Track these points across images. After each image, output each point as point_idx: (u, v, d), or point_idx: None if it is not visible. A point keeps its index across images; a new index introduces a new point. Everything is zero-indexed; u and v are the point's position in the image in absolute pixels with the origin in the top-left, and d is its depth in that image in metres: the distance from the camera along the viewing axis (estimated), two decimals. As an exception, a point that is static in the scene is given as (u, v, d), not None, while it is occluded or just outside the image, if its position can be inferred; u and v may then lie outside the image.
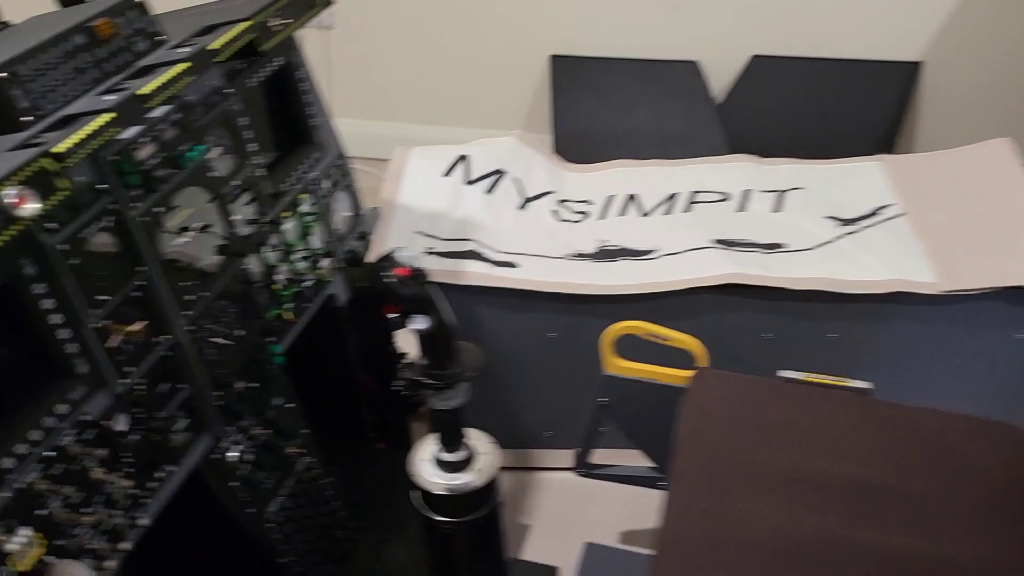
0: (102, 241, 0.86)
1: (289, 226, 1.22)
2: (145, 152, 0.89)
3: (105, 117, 0.77)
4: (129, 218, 0.88)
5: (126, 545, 0.91)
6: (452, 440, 1.06)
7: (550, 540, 1.59)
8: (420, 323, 0.92)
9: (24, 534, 0.77)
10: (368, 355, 1.46)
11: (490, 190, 1.65)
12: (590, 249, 1.56)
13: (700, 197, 1.66)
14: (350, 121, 2.84)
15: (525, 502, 1.69)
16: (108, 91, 0.85)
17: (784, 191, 1.65)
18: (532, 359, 1.57)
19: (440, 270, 1.46)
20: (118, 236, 0.88)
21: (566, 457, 1.55)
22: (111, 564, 0.89)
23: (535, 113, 2.66)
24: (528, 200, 1.67)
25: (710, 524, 1.04)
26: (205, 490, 1.09)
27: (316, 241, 1.29)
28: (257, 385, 1.11)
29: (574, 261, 1.52)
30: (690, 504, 1.07)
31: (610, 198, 1.69)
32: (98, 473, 0.88)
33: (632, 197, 1.69)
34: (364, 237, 1.45)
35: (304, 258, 1.25)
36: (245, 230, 1.10)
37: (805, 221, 1.57)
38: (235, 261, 1.05)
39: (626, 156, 1.89)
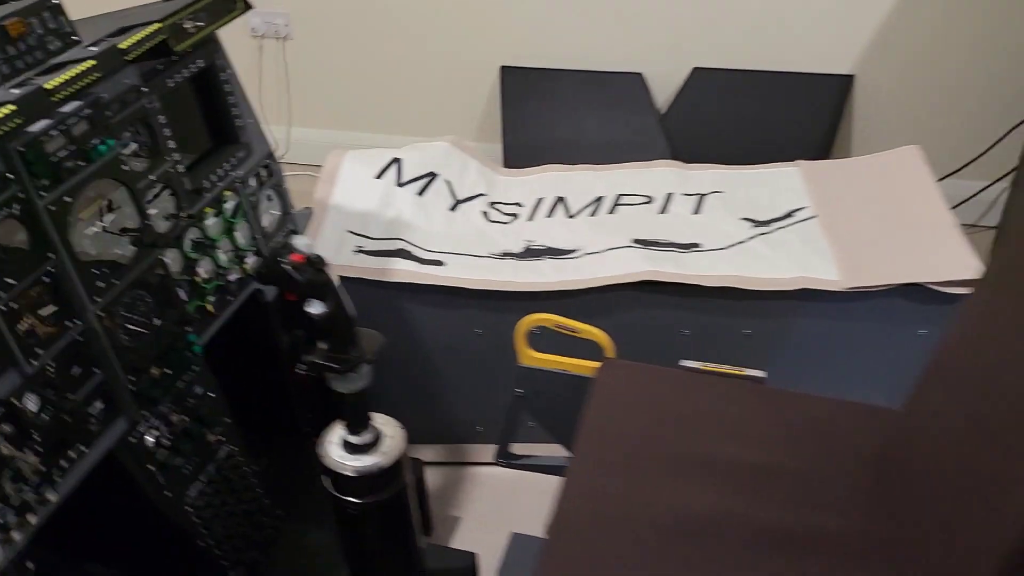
0: (9, 228, 0.91)
1: (212, 222, 1.27)
2: (54, 145, 0.94)
3: (7, 108, 0.82)
4: (37, 207, 0.93)
5: (33, 519, 0.95)
6: (358, 423, 1.10)
7: (479, 531, 1.64)
8: (316, 308, 0.97)
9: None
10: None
11: (421, 192, 1.70)
12: (516, 249, 1.62)
13: (625, 200, 1.73)
14: (307, 130, 2.93)
15: (456, 495, 1.73)
16: (16, 86, 0.90)
17: (704, 194, 1.72)
18: (461, 355, 1.62)
19: (369, 268, 1.52)
20: (26, 224, 0.92)
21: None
22: (18, 536, 0.93)
23: (487, 123, 2.73)
24: (459, 202, 1.73)
25: (603, 504, 1.09)
26: (125, 472, 1.13)
27: (241, 238, 1.34)
28: (172, 372, 1.15)
29: (500, 260, 1.58)
30: (585, 485, 1.12)
31: (539, 201, 1.75)
32: (6, 449, 0.92)
33: (560, 200, 1.75)
34: (294, 235, 1.50)
35: (228, 253, 1.30)
36: (162, 224, 1.15)
37: (721, 222, 1.64)
38: (149, 253, 1.10)
39: (573, 164, 1.96)
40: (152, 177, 1.13)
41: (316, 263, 0.96)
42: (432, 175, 1.74)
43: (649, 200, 1.72)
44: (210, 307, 1.26)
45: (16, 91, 0.87)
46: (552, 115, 2.55)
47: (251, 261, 1.35)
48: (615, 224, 1.65)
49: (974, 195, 2.36)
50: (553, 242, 1.62)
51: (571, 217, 1.70)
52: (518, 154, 2.51)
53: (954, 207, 1.85)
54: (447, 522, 1.68)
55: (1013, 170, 2.11)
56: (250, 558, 1.33)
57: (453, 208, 1.71)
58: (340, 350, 1.02)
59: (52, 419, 0.98)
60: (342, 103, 2.84)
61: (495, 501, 1.70)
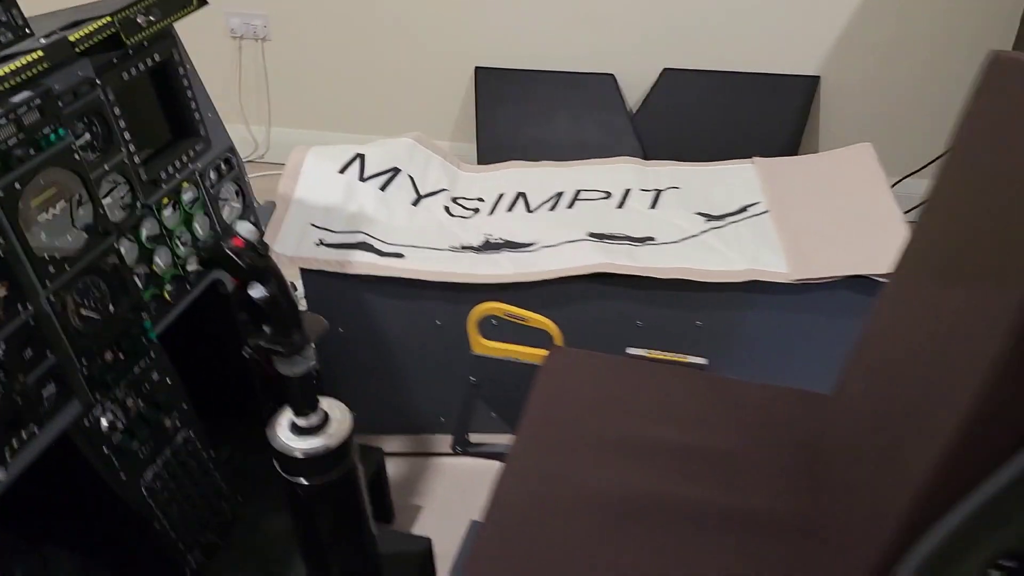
0: (-43, 212, 0.94)
1: (169, 213, 1.30)
2: (4, 133, 0.97)
3: (-47, 97, 0.86)
4: None
5: None
6: (304, 405, 1.13)
7: (440, 519, 1.67)
8: (258, 291, 1.00)
9: None
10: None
11: (384, 187, 1.74)
12: (476, 242, 1.65)
13: (584, 195, 1.77)
14: (287, 130, 2.96)
15: (419, 485, 1.77)
16: (-34, 76, 0.93)
17: (662, 190, 1.76)
18: (422, 347, 1.66)
19: (329, 260, 1.55)
20: None
21: (458, 441, 1.64)
22: None
23: (461, 123, 2.77)
24: (422, 197, 1.76)
25: (541, 485, 1.13)
26: (80, 455, 1.16)
27: (201, 229, 1.37)
28: (126, 358, 1.18)
29: (459, 253, 1.62)
30: (525, 467, 1.15)
31: (500, 196, 1.79)
32: None
33: (521, 195, 1.79)
34: (256, 228, 1.53)
35: (186, 245, 1.33)
36: (118, 213, 1.18)
37: (676, 217, 1.67)
38: (102, 240, 1.13)
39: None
40: (106, 167, 1.16)
41: (257, 247, 1.00)
42: (395, 170, 1.78)
43: (608, 195, 1.76)
44: (167, 296, 1.29)
45: (-36, 81, 0.91)
46: (526, 115, 2.59)
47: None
48: (573, 218, 1.68)
49: (937, 194, 2.40)
50: (511, 236, 1.66)
51: (530, 212, 1.74)
52: (492, 153, 2.55)
53: (917, 206, 1.89)
54: (409, 511, 1.71)
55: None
56: (207, 541, 1.36)
57: (415, 203, 1.75)
58: (283, 333, 1.05)
59: (2, 400, 1.01)
60: (321, 103, 2.88)
61: (457, 490, 1.73)
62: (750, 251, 1.56)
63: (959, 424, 0.69)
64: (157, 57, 1.26)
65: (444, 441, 1.78)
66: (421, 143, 1.89)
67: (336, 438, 1.15)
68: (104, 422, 1.17)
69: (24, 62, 0.94)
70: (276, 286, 1.01)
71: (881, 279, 1.45)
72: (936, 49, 2.31)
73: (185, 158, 1.34)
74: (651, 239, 1.62)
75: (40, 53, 0.96)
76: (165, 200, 1.29)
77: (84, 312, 1.12)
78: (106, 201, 1.16)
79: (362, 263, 1.54)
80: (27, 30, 1.05)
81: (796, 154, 2.44)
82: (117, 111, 1.19)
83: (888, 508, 0.79)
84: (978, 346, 0.69)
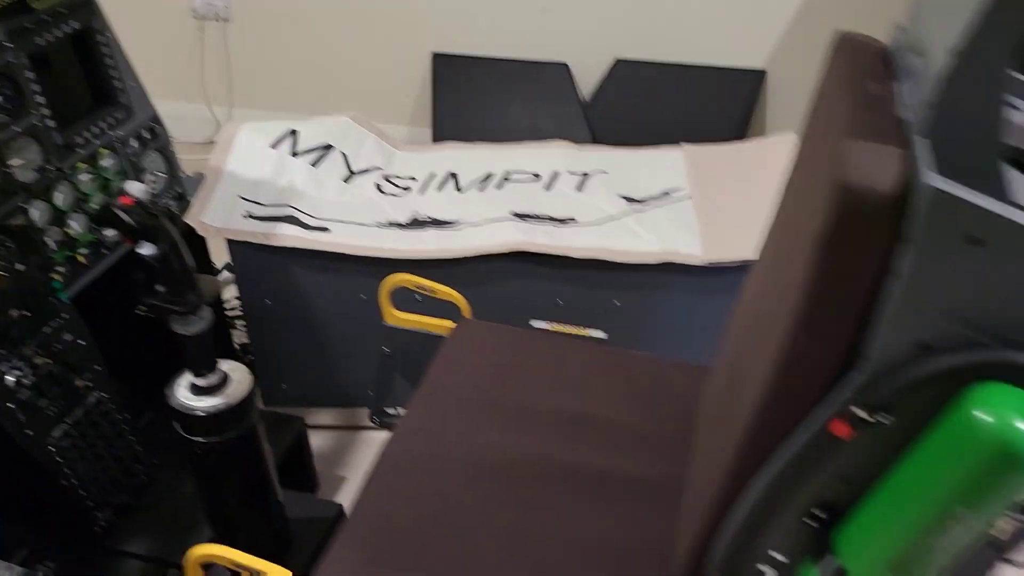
0: None
1: (86, 178, 1.34)
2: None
3: None
4: None
5: None
6: (201, 365, 1.17)
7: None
8: (147, 249, 1.03)
9: None
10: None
11: (316, 163, 1.77)
12: (403, 219, 1.68)
13: (514, 177, 1.80)
14: (249, 111, 2.98)
15: (345, 456, 1.80)
16: None
17: (589, 173, 1.79)
18: (348, 321, 1.69)
19: (255, 232, 1.58)
20: None
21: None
22: None
23: (418, 108, 2.80)
24: (354, 174, 1.80)
25: (427, 444, 1.16)
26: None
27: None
28: (33, 316, 1.21)
29: (384, 229, 1.65)
30: (413, 428, 1.19)
31: (432, 175, 1.82)
32: None
33: (453, 175, 1.82)
34: (182, 198, 1.56)
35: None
36: (28, 175, 1.22)
37: (600, 200, 1.71)
38: (9, 199, 1.17)
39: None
40: (17, 129, 1.19)
41: (147, 206, 1.03)
42: (328, 147, 1.81)
43: (537, 177, 1.79)
44: (82, 259, 1.33)
45: None
46: (481, 101, 2.62)
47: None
48: (499, 198, 1.72)
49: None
50: (438, 214, 1.69)
51: (460, 191, 1.77)
52: (448, 139, 2.58)
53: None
54: (334, 481, 1.75)
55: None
56: (119, 501, 1.40)
57: (347, 179, 1.78)
58: (177, 293, 1.08)
59: None
60: (283, 85, 2.90)
61: (382, 463, 1.76)
62: (668, 234, 1.59)
63: (767, 378, 0.73)
64: (76, 24, 1.29)
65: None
66: (357, 122, 1.92)
67: (235, 397, 1.19)
68: (10, 378, 1.20)
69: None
70: (168, 245, 1.04)
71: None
72: (879, 46, 2.35)
73: (104, 124, 1.37)
74: (573, 220, 1.65)
75: (-63, 13, 0.99)
76: (80, 165, 1.32)
77: (-12, 269, 1.15)
78: (15, 162, 1.19)
79: (287, 235, 1.58)
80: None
81: (743, 146, 2.48)
82: (31, 75, 1.22)
83: (719, 467, 0.83)
84: (786, 305, 0.72)
